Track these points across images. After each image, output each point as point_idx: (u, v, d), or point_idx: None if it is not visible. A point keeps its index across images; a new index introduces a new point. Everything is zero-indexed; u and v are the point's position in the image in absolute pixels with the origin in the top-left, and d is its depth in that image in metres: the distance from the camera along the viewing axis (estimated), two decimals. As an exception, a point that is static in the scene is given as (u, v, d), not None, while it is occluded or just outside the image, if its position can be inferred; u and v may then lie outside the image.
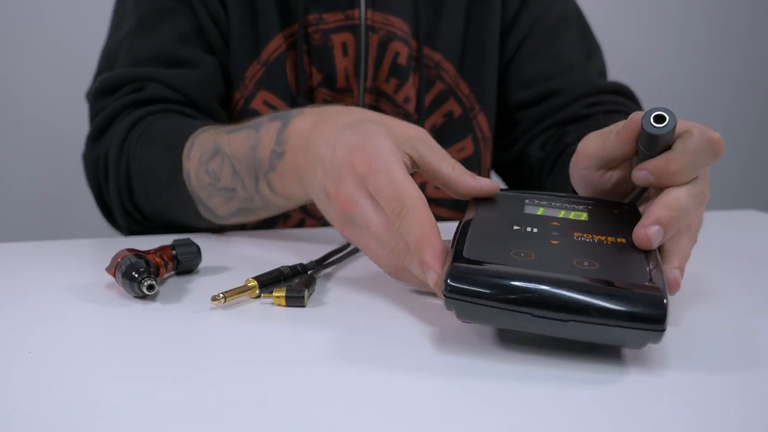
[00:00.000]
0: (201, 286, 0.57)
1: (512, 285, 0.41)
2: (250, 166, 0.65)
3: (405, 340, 0.46)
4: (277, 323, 0.49)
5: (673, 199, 0.47)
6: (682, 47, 1.85)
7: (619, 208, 0.54)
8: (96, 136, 0.79)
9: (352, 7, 0.84)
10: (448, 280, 0.42)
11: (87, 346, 0.46)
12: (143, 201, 0.75)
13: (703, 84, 1.89)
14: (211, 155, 0.68)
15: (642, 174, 0.49)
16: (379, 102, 0.87)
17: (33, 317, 0.51)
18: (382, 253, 0.52)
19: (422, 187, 0.90)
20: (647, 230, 0.45)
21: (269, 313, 0.51)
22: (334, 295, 0.55)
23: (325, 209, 0.57)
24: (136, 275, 0.53)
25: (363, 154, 0.51)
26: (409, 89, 0.86)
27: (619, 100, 0.90)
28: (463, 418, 0.35)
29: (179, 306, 0.53)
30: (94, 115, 0.81)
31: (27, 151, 1.59)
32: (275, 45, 0.84)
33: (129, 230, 0.81)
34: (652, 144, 0.49)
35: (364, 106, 0.86)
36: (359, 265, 0.63)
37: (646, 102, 0.94)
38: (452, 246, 0.45)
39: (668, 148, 0.49)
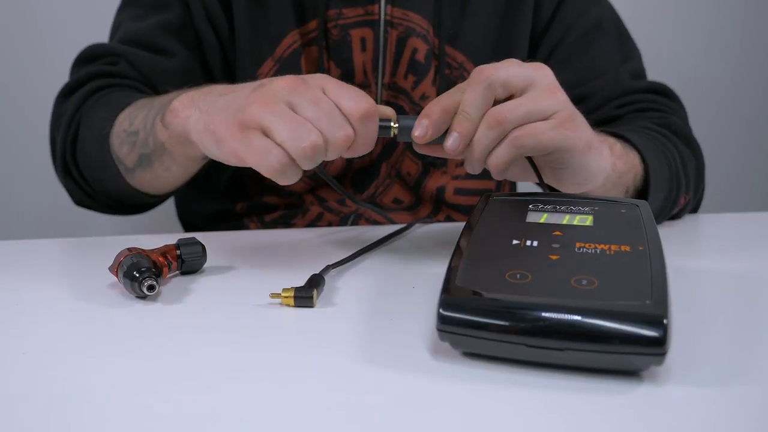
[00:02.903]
0: (205, 287, 0.57)
1: (505, 315, 0.40)
2: (160, 106, 0.69)
3: (411, 342, 0.45)
4: (283, 324, 0.49)
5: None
6: (710, 41, 1.81)
7: (627, 207, 0.53)
8: (64, 95, 0.84)
9: (372, 3, 0.84)
10: (440, 311, 0.41)
11: (82, 346, 0.46)
12: (80, 157, 0.80)
13: (731, 81, 1.84)
14: (141, 106, 0.73)
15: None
16: (398, 98, 0.86)
17: (32, 317, 0.52)
18: (294, 136, 0.53)
19: (441, 190, 0.89)
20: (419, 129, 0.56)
21: (275, 314, 0.51)
22: (343, 295, 0.55)
23: (219, 119, 0.57)
24: (137, 275, 0.53)
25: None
26: (427, 87, 0.86)
27: (653, 98, 0.88)
28: (464, 423, 0.35)
29: (181, 306, 0.53)
30: (70, 76, 0.86)
31: (33, 147, 1.60)
32: (289, 42, 0.84)
33: (70, 193, 0.85)
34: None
35: (381, 101, 0.86)
36: (367, 265, 0.63)
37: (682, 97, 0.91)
38: (447, 270, 0.45)
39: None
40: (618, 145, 0.69)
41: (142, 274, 0.53)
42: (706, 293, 0.54)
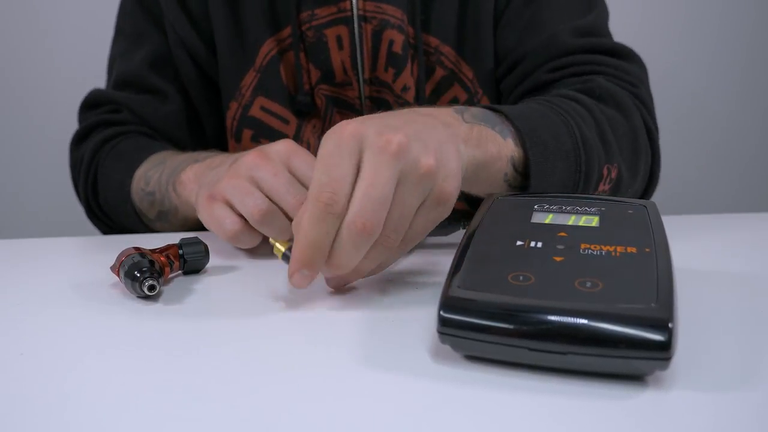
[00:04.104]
0: (206, 287, 0.57)
1: (506, 318, 0.39)
2: (171, 171, 0.75)
3: (412, 344, 0.44)
4: (283, 325, 0.48)
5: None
6: (717, 48, 1.79)
7: (635, 208, 0.52)
8: (78, 141, 0.90)
9: None
10: (441, 313, 0.40)
11: (82, 347, 0.46)
12: (102, 202, 0.85)
13: (739, 82, 1.83)
14: (154, 165, 0.79)
15: None
16: (381, 92, 0.86)
17: (31, 317, 0.51)
18: (245, 202, 0.58)
19: None
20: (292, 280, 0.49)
21: (276, 315, 0.50)
22: (344, 294, 0.54)
23: (200, 193, 0.64)
24: (138, 275, 0.52)
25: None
26: (407, 78, 0.84)
27: (596, 59, 0.79)
28: (464, 428, 0.35)
29: (182, 307, 0.52)
30: (79, 122, 0.92)
31: (33, 146, 1.61)
32: (266, 50, 0.85)
33: (97, 227, 0.91)
34: None
35: (364, 97, 0.86)
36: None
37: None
38: (449, 271, 0.44)
39: None
40: (475, 131, 0.58)
41: (143, 274, 0.52)
42: (714, 296, 0.53)
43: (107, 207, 0.85)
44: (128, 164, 0.82)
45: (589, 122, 0.68)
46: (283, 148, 0.61)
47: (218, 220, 0.60)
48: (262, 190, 0.59)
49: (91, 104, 0.91)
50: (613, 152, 0.69)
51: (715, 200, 1.80)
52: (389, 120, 0.51)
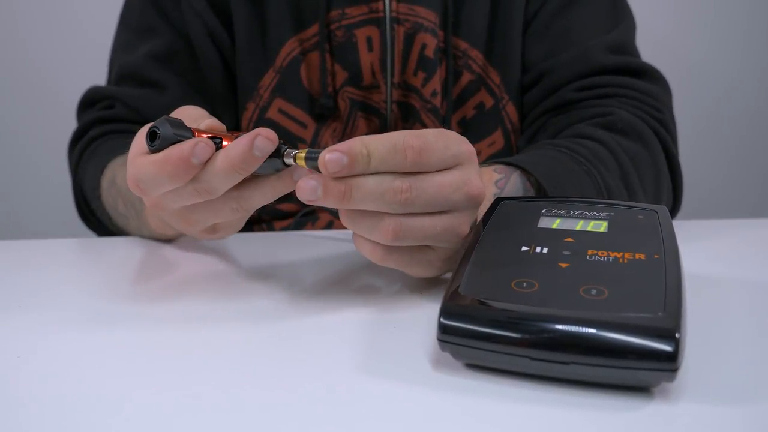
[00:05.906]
0: (206, 292, 0.56)
1: (507, 326, 0.38)
2: (132, 202, 0.69)
3: (412, 352, 0.44)
4: (283, 330, 0.48)
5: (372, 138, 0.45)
6: (746, 47, 1.77)
7: (645, 214, 0.50)
8: (73, 142, 0.88)
9: (376, 0, 0.81)
10: (441, 319, 0.40)
11: (77, 349, 0.45)
12: (94, 208, 0.82)
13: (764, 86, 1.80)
14: (109, 183, 0.74)
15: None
16: (408, 97, 0.84)
17: (29, 318, 0.51)
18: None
19: None
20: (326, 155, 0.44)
21: (275, 319, 0.49)
22: (344, 299, 0.53)
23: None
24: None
25: None
26: (436, 83, 0.83)
27: (625, 82, 0.79)
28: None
29: (180, 310, 0.52)
30: (77, 122, 0.89)
31: (37, 146, 1.61)
32: (288, 50, 0.83)
33: (92, 230, 0.88)
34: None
35: (392, 101, 0.84)
36: (372, 267, 0.61)
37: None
38: (452, 276, 0.43)
39: None
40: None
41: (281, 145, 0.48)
42: (725, 305, 0.51)
43: (95, 213, 0.82)
44: (98, 170, 0.78)
45: (612, 167, 0.69)
46: None
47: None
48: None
49: (88, 102, 0.89)
50: (637, 194, 0.70)
51: (740, 203, 1.77)
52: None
